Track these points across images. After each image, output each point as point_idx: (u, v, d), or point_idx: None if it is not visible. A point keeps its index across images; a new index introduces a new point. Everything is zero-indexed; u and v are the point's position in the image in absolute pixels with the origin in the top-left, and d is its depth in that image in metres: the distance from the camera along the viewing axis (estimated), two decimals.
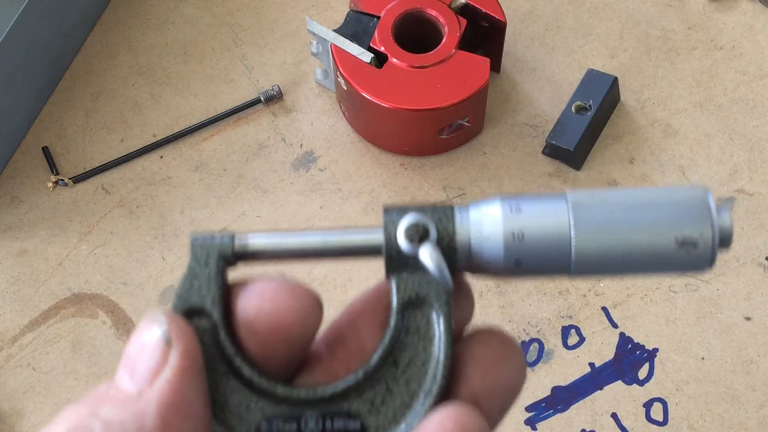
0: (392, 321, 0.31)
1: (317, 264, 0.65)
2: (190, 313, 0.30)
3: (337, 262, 0.65)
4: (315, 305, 0.31)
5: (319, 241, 0.31)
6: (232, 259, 0.31)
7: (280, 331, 0.30)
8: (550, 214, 0.30)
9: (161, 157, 0.70)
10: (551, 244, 0.30)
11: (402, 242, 0.30)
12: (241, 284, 0.31)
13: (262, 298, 0.30)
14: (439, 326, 0.30)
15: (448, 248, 0.30)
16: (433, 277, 0.30)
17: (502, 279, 0.33)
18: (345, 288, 0.64)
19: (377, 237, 0.31)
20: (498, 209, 0.31)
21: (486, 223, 0.31)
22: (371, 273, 0.65)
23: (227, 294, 0.31)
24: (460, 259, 0.31)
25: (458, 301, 0.32)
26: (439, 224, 0.31)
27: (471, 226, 0.31)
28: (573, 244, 0.30)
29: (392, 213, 0.31)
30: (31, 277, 0.66)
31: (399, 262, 0.31)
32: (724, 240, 0.30)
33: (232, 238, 0.31)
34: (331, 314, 0.69)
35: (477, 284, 0.64)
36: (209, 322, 0.30)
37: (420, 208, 0.31)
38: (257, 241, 0.31)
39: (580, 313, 0.63)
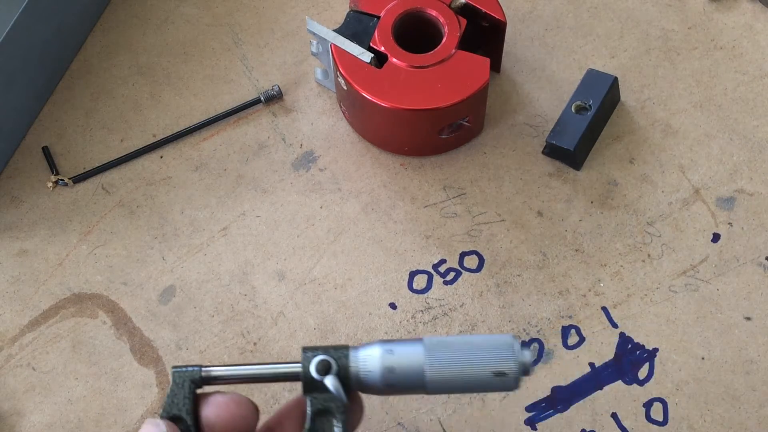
0: (307, 424, 0.45)
1: (317, 263, 0.65)
2: (173, 419, 0.45)
3: (337, 263, 0.65)
4: (254, 411, 0.46)
5: (256, 373, 0.47)
6: (200, 383, 0.46)
7: (231, 430, 0.45)
8: (412, 355, 0.46)
9: (161, 157, 0.70)
10: (412, 375, 0.46)
11: (313, 373, 0.46)
12: (204, 396, 0.46)
13: (218, 408, 0.46)
14: (338, 428, 0.45)
15: (344, 377, 0.46)
16: (335, 396, 0.45)
17: (380, 395, 0.48)
18: (344, 288, 0.64)
19: (297, 369, 0.46)
20: (378, 351, 0.46)
21: (369, 360, 0.46)
22: (371, 273, 0.65)
23: (197, 406, 0.46)
24: (352, 384, 0.46)
25: (352, 410, 0.47)
26: (338, 361, 0.46)
27: (359, 362, 0.46)
28: (426, 375, 0.46)
29: (307, 353, 0.46)
30: (31, 277, 0.66)
31: (312, 386, 0.46)
32: (525, 370, 0.46)
33: (200, 369, 0.46)
34: (330, 311, 0.69)
35: (477, 284, 0.64)
36: (185, 426, 0.45)
37: (326, 350, 0.46)
38: (216, 372, 0.47)
39: (580, 313, 0.63)
